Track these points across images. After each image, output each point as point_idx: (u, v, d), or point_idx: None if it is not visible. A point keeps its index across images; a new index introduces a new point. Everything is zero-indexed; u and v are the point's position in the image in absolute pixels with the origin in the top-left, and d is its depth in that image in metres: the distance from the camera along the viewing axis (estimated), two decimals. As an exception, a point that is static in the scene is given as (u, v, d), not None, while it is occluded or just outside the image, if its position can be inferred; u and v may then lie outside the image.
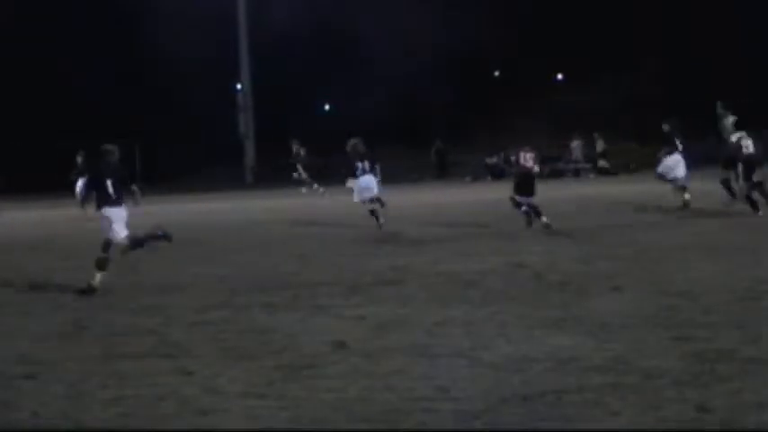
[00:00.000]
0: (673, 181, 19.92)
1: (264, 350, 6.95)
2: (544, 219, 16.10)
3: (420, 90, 58.13)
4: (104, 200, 11.21)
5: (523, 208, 16.79)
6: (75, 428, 5.19)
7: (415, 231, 16.89)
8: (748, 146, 17.59)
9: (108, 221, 11.12)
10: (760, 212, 16.56)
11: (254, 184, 51.01)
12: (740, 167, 17.32)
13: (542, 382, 5.76)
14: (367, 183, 18.57)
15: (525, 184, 16.88)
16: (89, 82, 55.65)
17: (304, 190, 32.76)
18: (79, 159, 30.21)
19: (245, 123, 58.01)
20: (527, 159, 17.35)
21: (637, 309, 8.11)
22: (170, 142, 55.16)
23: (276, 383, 5.96)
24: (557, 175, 39.48)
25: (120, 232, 11.15)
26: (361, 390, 5.74)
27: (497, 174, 45.49)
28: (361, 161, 18.76)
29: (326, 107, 66.01)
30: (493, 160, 47.17)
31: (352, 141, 19.37)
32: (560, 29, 54.13)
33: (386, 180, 20.73)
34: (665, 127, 20.93)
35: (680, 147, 20.47)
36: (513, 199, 16.89)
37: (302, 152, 34.78)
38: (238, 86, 58.69)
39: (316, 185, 32.31)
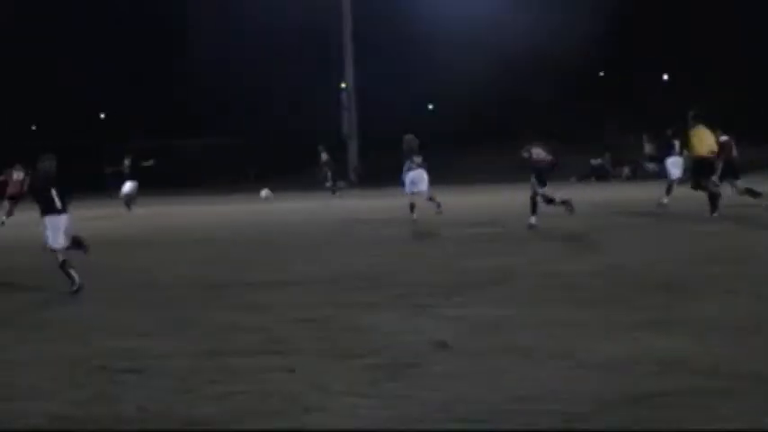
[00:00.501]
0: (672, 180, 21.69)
1: (367, 348, 6.98)
2: (533, 219, 16.89)
3: (523, 90, 57.86)
4: (48, 208, 11.25)
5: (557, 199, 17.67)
6: (181, 424, 5.25)
7: (516, 231, 16.81)
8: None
9: (49, 228, 11.18)
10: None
11: (357, 184, 51.24)
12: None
13: (648, 384, 5.68)
14: (416, 177, 19.76)
15: (541, 175, 17.59)
16: (208, 84, 56.64)
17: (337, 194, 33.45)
18: (126, 162, 31.06)
19: (349, 123, 58.32)
20: (539, 154, 18.00)
21: (743, 311, 7.98)
22: (276, 142, 55.67)
23: (379, 382, 5.98)
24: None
25: (58, 240, 11.18)
26: (463, 390, 5.73)
27: (602, 175, 45.08)
28: (413, 157, 19.81)
29: (430, 106, 66.00)
30: (597, 161, 46.76)
31: (407, 137, 19.92)
32: (667, 28, 53.41)
33: (486, 180, 20.68)
34: (669, 132, 22.81)
35: (677, 149, 22.15)
36: (541, 196, 17.48)
37: (327, 157, 35.41)
38: (343, 86, 58.96)
39: (334, 185, 33.09)
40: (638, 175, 38.44)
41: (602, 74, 62.55)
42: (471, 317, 8.17)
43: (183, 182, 49.11)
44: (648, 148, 37.23)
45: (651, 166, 39.05)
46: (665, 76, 58.74)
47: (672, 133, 22.86)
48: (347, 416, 5.27)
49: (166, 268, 13.52)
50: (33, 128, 73.44)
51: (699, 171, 18.42)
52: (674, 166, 22.33)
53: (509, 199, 25.38)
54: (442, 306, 8.85)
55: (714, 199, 17.63)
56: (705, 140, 18.40)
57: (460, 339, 7.19)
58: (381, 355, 6.77)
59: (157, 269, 13.42)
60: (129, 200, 30.48)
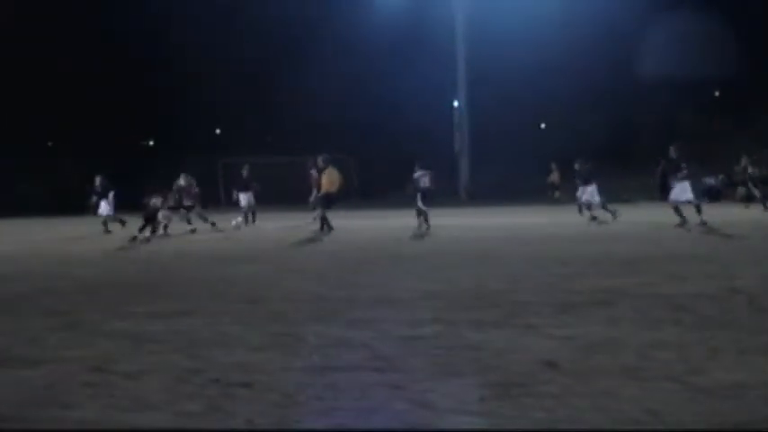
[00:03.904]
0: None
1: (474, 367, 6.98)
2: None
3: (636, 110, 57.27)
4: None
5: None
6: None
7: (626, 252, 16.65)
8: None
9: None
10: None
11: (468, 201, 51.25)
12: None
13: (758, 410, 5.60)
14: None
15: None
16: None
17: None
18: (97, 181, 31.98)
19: (460, 141, 58.43)
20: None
21: None
22: (387, 158, 56.06)
23: (486, 401, 5.98)
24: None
25: None
26: (571, 410, 5.71)
27: (714, 195, 44.36)
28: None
29: (542, 126, 65.79)
30: (710, 181, 46.05)
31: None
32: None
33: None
34: (672, 151, 23.54)
35: (684, 171, 22.66)
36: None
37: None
38: (455, 104, 59.12)
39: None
40: (754, 197, 37.74)
41: (717, 94, 61.69)
42: (579, 337, 8.12)
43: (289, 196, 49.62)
44: (752, 171, 36.70)
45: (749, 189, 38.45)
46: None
47: (678, 153, 23.90)
48: (454, 433, 5.29)
49: (272, 283, 13.67)
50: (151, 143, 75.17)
51: None
52: (686, 188, 23.06)
53: (620, 220, 25.18)
54: (550, 326, 8.81)
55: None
56: None
57: (568, 359, 7.16)
58: (489, 373, 6.77)
59: (263, 284, 13.58)
60: (109, 219, 31.34)
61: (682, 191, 24.57)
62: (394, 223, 31.36)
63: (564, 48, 55.27)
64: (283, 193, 45.83)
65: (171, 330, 9.10)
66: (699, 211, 24.28)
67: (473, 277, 13.56)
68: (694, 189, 24.97)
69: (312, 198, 33.29)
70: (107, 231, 30.97)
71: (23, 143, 62.28)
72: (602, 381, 6.44)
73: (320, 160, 29.18)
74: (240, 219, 32.77)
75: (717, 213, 30.59)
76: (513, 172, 34.00)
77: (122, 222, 31.85)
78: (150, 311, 10.64)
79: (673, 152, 24.83)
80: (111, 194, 31.93)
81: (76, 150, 63.75)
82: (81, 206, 49.71)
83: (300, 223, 33.15)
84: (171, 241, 25.25)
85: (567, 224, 28.65)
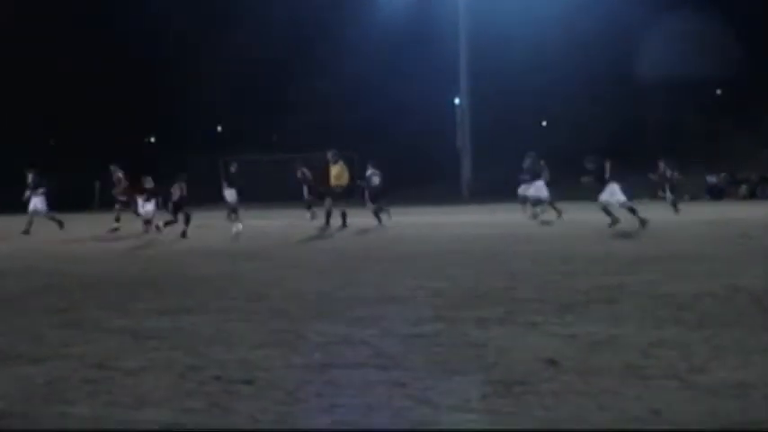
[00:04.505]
0: None
1: (476, 365, 6.97)
2: None
3: (638, 108, 57.24)
4: None
5: None
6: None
7: (629, 250, 16.64)
8: None
9: None
10: None
11: (470, 199, 51.22)
12: None
13: (761, 409, 5.59)
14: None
15: None
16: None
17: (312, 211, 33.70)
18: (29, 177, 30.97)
19: (462, 138, 58.35)
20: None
21: None
22: (389, 156, 56.24)
23: (488, 398, 5.97)
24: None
25: None
26: (572, 408, 5.70)
27: (716, 194, 44.36)
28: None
29: (543, 123, 65.80)
30: (713, 180, 46.06)
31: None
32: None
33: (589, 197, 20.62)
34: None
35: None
36: None
37: (307, 174, 35.42)
38: (456, 101, 59.08)
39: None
40: (759, 194, 37.70)
41: (719, 92, 61.70)
42: (582, 335, 8.11)
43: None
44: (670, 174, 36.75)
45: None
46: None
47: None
48: (455, 430, 5.27)
49: (274, 280, 13.67)
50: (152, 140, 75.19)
51: None
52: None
53: (621, 218, 25.15)
54: (552, 324, 8.80)
55: None
56: None
57: (570, 357, 7.15)
58: (491, 371, 6.76)
59: (266, 282, 13.58)
60: (39, 217, 30.74)
61: (611, 193, 25.26)
62: (396, 221, 31.33)
63: (566, 45, 55.30)
64: (284, 190, 45.81)
65: (172, 327, 9.09)
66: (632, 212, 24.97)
67: (475, 275, 13.55)
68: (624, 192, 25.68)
69: (306, 196, 33.42)
70: (27, 231, 29.85)
71: (24, 143, 62.38)
72: (604, 379, 6.42)
73: (329, 155, 29.49)
74: (239, 227, 32.54)
75: (719, 211, 30.58)
76: (515, 169, 34.25)
77: (59, 223, 30.81)
78: (151, 308, 10.64)
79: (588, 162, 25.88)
80: (41, 190, 30.93)
81: (77, 149, 63.83)
82: (82, 204, 49.73)
83: (301, 221, 33.15)
84: (170, 239, 25.22)
85: (568, 222, 28.65)
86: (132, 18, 64.71)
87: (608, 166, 26.27)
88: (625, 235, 21.26)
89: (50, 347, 8.13)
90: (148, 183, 29.86)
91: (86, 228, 32.77)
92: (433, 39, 58.19)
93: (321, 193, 29.49)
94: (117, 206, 31.46)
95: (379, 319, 9.37)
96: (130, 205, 31.39)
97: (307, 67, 63.52)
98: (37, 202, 30.70)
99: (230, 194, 32.77)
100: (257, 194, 43.97)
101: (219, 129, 76.10)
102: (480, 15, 56.59)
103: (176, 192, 27.12)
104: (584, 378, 6.46)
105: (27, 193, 30.90)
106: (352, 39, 59.45)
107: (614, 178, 26.14)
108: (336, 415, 5.64)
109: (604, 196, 25.69)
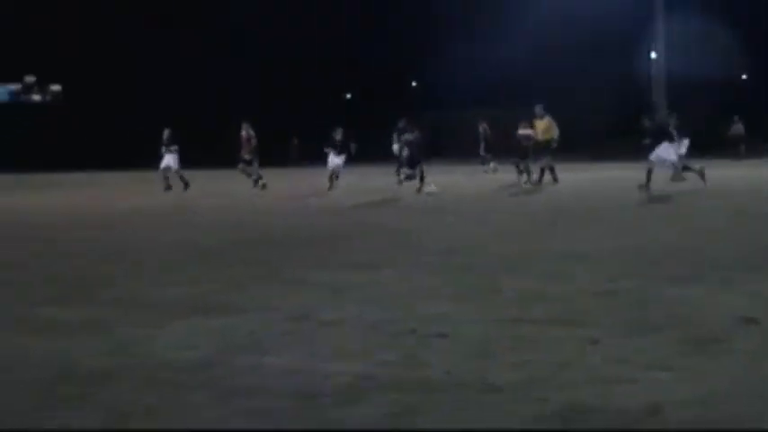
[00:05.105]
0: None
1: (670, 323, 6.87)
2: None
3: None
4: None
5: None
6: (479, 390, 5.32)
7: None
8: None
9: None
10: None
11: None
12: None
13: None
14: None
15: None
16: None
17: (489, 167, 32.33)
18: (165, 133, 30.84)
19: (658, 93, 56.92)
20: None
21: None
22: (579, 112, 55.42)
23: (683, 357, 5.88)
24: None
25: None
26: (768, 368, 5.59)
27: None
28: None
29: (744, 77, 64.08)
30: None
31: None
32: None
33: None
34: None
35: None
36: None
37: (488, 131, 34.14)
38: (653, 55, 57.65)
39: (491, 164, 32.10)
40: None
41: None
42: (779, 295, 7.91)
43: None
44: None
45: None
46: None
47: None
48: (653, 390, 5.19)
49: (461, 235, 13.73)
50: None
51: None
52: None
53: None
54: (750, 282, 8.60)
55: None
56: None
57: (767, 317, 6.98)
58: (685, 329, 6.65)
59: (453, 236, 13.66)
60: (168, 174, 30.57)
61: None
62: (583, 177, 30.96)
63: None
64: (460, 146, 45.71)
65: (368, 281, 9.25)
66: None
67: (668, 232, 13.34)
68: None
69: (482, 152, 32.96)
70: (168, 188, 30.05)
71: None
72: (804, 339, 6.26)
73: (537, 109, 29.00)
74: (433, 187, 32.07)
75: None
76: (710, 124, 33.28)
77: (186, 183, 30.46)
78: (347, 262, 10.85)
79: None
80: (174, 148, 31.00)
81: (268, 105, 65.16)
82: (279, 160, 50.78)
83: (483, 177, 33.06)
84: (352, 192, 25.39)
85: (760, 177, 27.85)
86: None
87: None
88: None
89: (251, 299, 8.41)
90: (338, 134, 29.03)
91: (284, 183, 33.36)
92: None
93: (524, 151, 28.64)
94: (240, 166, 31.00)
95: (569, 275, 9.33)
96: (252, 164, 30.50)
97: (493, 24, 62.92)
98: (169, 160, 30.95)
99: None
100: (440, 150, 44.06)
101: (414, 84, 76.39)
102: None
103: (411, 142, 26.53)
104: (782, 338, 6.32)
105: (162, 149, 31.27)
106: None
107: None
108: (526, 371, 5.64)
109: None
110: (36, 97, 72.71)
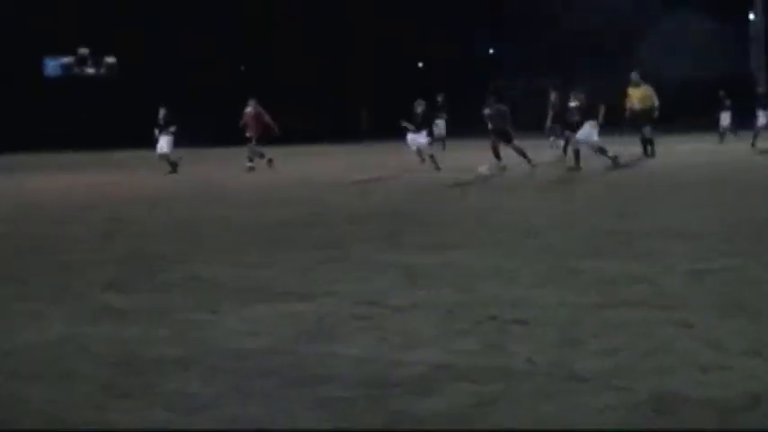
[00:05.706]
0: None
1: (766, 304, 6.48)
2: None
3: None
4: None
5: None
6: (564, 379, 4.96)
7: None
8: None
9: None
10: None
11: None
12: None
13: None
14: None
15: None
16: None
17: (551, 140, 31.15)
18: (161, 112, 29.01)
19: (757, 56, 55.76)
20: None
21: None
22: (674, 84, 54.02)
23: (781, 343, 5.49)
24: None
25: None
26: None
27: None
28: None
29: None
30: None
31: None
32: None
33: None
34: None
35: None
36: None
37: (557, 99, 32.59)
38: (751, 17, 56.52)
39: (551, 139, 30.99)
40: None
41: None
42: None
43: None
44: None
45: None
46: None
47: None
48: (748, 377, 4.82)
49: (541, 212, 13.37)
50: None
51: None
52: None
53: None
54: None
55: None
56: None
57: None
58: (783, 312, 6.25)
59: (532, 213, 13.32)
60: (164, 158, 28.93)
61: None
62: (683, 149, 30.32)
63: None
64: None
65: (441, 263, 8.91)
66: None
67: (759, 209, 12.87)
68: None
69: (549, 123, 31.66)
70: (173, 171, 28.42)
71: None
72: None
73: (633, 75, 27.41)
74: (488, 167, 30.31)
75: None
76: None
77: (173, 165, 28.90)
78: (418, 243, 10.52)
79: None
80: (172, 129, 28.99)
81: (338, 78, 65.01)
82: (352, 136, 50.58)
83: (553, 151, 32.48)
84: (429, 168, 24.74)
85: None
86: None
87: None
88: None
89: (320, 283, 8.07)
90: (419, 107, 27.38)
91: (351, 159, 33.11)
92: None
93: (571, 126, 26.95)
94: (250, 144, 28.92)
95: (659, 254, 8.92)
96: (252, 141, 28.61)
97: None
98: (164, 143, 28.99)
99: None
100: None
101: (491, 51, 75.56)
102: None
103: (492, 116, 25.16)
104: None
105: (156, 131, 29.27)
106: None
107: None
108: (614, 358, 5.26)
109: None
110: (90, 70, 70.24)
